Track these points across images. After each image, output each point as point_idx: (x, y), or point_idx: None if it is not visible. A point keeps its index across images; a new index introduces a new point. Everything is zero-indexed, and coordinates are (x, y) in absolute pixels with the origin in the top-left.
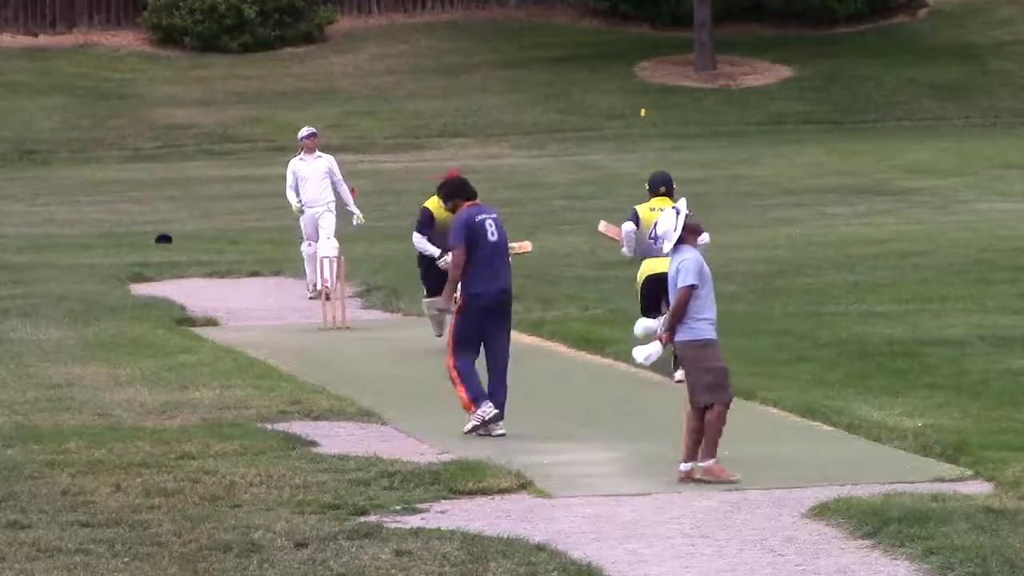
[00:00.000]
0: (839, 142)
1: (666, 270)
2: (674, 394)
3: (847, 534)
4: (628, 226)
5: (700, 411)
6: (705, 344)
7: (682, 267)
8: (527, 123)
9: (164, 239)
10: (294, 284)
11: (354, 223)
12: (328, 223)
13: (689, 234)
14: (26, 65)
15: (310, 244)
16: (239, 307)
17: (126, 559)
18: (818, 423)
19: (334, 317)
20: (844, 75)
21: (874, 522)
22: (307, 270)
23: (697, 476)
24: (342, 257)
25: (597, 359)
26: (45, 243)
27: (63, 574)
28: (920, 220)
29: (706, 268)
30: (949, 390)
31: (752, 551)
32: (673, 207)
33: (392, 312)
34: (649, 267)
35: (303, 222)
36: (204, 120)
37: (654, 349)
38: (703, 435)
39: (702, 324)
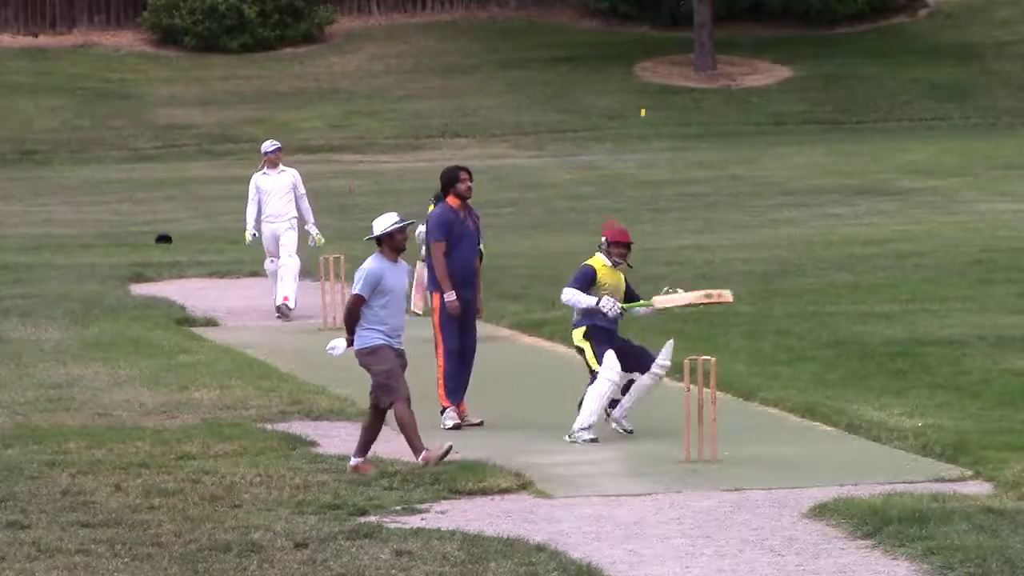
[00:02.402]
0: (839, 142)
1: None
2: (674, 395)
3: (847, 534)
4: None
5: (379, 411)
6: (372, 351)
7: (358, 273)
8: (527, 123)
9: (164, 239)
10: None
11: (310, 243)
12: (290, 240)
13: (388, 248)
14: (26, 65)
15: (272, 260)
16: (239, 307)
17: (126, 559)
18: (818, 423)
19: (334, 317)
20: (844, 75)
21: (874, 522)
22: (272, 287)
23: (363, 468)
24: (342, 257)
25: None
26: (45, 243)
27: (63, 574)
28: (920, 220)
29: (392, 281)
30: (949, 390)
31: (752, 551)
32: (401, 218)
33: None
34: None
35: (264, 239)
36: (204, 120)
37: (340, 343)
38: (376, 433)
39: (372, 334)
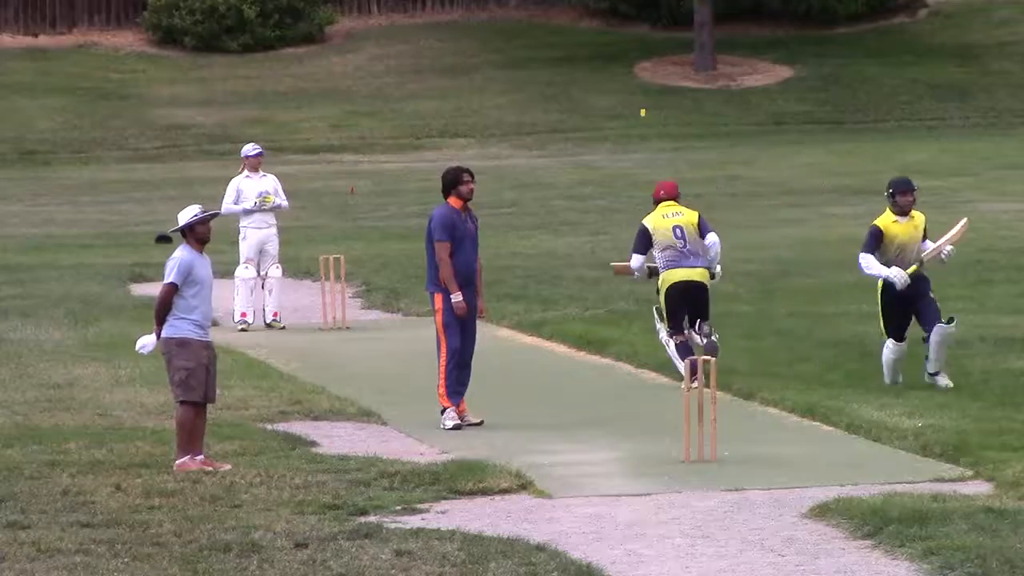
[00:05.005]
0: (839, 142)
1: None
2: (674, 394)
3: (847, 534)
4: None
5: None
6: (182, 342)
7: (169, 263)
8: (527, 123)
9: (164, 239)
10: (293, 284)
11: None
12: (276, 249)
13: (193, 239)
14: (26, 65)
15: (247, 267)
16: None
17: (126, 559)
18: (818, 423)
19: (334, 317)
20: (844, 75)
21: (874, 522)
22: (238, 297)
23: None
24: (342, 257)
25: (597, 359)
26: (46, 243)
27: (63, 574)
28: None
29: (201, 272)
30: (949, 390)
31: (752, 551)
32: (203, 211)
33: (392, 312)
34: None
35: (246, 244)
36: (204, 120)
37: (149, 340)
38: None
39: (183, 323)
